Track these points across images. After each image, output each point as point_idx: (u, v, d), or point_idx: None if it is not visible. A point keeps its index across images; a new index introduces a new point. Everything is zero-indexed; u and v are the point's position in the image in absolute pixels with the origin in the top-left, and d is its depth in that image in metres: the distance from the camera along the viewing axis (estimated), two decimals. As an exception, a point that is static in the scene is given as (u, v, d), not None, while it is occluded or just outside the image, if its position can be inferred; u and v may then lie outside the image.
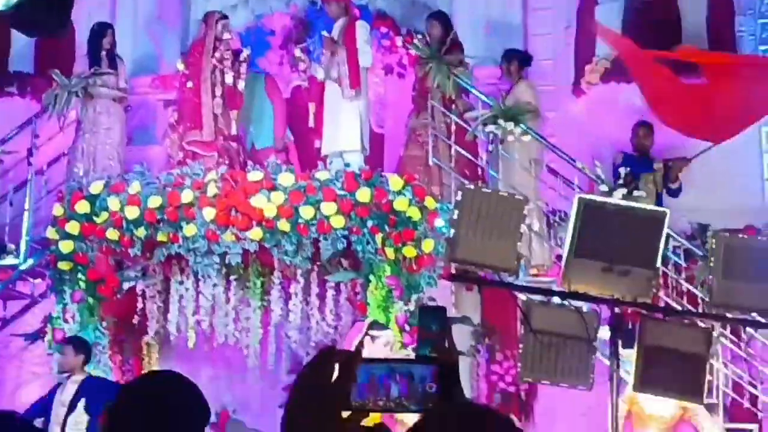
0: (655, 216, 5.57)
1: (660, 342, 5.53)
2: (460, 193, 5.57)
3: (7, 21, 6.66)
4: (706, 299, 6.46)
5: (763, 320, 6.11)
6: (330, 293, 9.03)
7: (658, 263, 5.51)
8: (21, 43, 11.38)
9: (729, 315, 5.93)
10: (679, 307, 8.46)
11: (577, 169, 9.25)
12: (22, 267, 9.58)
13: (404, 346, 8.43)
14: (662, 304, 8.45)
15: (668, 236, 8.83)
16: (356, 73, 9.84)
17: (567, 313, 5.57)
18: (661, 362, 5.53)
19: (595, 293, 5.49)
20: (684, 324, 5.86)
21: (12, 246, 9.78)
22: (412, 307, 8.57)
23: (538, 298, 6.40)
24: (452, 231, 5.49)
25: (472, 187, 5.74)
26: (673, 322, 5.80)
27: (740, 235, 6.98)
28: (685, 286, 9.02)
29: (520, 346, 5.83)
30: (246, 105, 10.52)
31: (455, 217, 5.50)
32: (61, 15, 5.83)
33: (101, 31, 10.48)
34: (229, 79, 10.33)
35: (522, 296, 7.53)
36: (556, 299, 5.89)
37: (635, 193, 8.88)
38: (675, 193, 9.91)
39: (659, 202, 9.59)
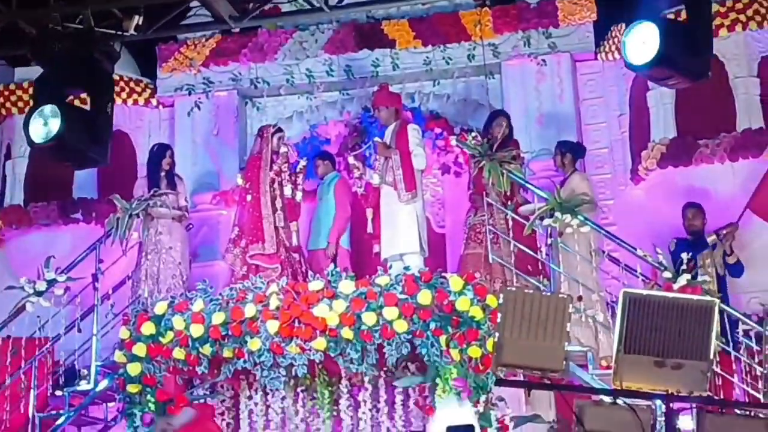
0: (703, 306, 5.41)
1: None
2: (502, 296, 5.50)
3: (49, 154, 6.83)
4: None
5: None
6: (398, 398, 8.95)
7: (711, 354, 5.35)
8: (84, 170, 11.58)
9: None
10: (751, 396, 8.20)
11: (639, 257, 9.07)
12: (94, 392, 9.64)
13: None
14: (736, 391, 8.21)
15: (737, 320, 8.66)
16: (411, 176, 9.82)
17: (621, 411, 5.44)
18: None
19: (648, 389, 5.35)
20: (747, 416, 5.67)
21: (85, 371, 9.84)
22: (481, 408, 8.46)
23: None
24: (496, 335, 5.41)
25: (513, 289, 5.66)
26: (734, 415, 5.61)
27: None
28: (759, 370, 8.74)
29: (578, 447, 5.68)
30: (318, 203, 10.63)
31: (499, 320, 5.44)
32: (100, 146, 5.93)
33: (160, 152, 10.59)
34: (288, 191, 10.42)
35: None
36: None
37: (699, 278, 8.67)
38: (737, 272, 9.66)
39: (722, 284, 9.39)
